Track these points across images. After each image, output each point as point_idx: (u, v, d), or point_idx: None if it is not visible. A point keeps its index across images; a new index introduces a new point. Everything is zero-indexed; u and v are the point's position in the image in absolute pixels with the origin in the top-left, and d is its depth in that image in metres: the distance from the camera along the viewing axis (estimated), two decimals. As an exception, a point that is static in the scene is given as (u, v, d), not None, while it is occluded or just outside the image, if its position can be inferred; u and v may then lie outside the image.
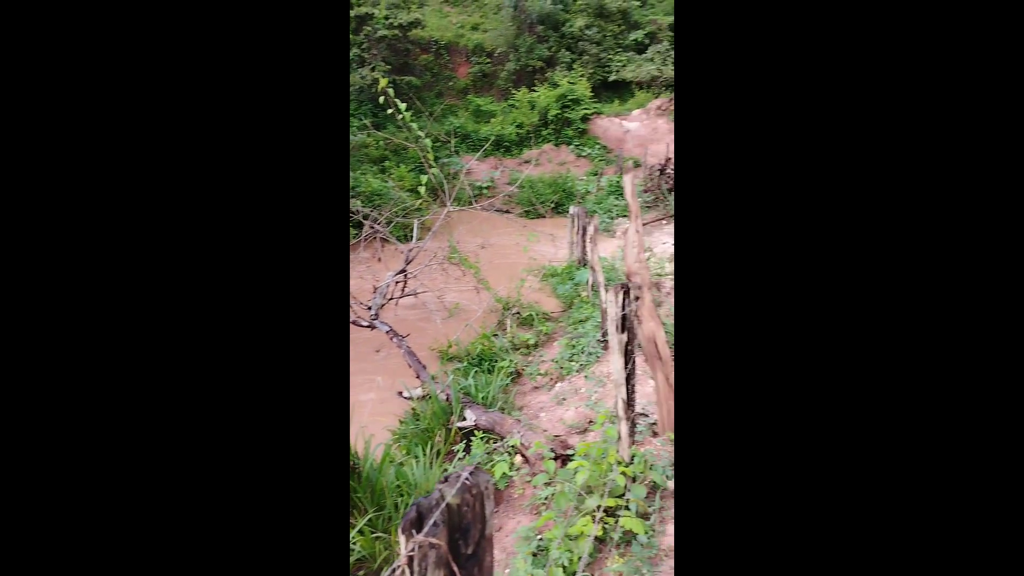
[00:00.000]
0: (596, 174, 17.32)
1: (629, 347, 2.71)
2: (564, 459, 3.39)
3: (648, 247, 10.51)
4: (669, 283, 8.97)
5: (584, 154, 18.66)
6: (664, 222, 14.00)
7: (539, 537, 2.57)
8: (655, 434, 3.54)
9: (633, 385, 2.77)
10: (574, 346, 5.86)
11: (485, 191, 16.24)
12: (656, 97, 20.04)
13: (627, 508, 2.40)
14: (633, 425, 2.75)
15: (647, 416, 3.87)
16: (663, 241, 12.48)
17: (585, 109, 19.21)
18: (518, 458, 3.80)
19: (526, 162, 17.57)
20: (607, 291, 2.70)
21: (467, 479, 1.13)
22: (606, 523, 2.40)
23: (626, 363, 2.71)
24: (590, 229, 7.96)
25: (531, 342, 6.54)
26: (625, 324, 2.69)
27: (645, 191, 15.82)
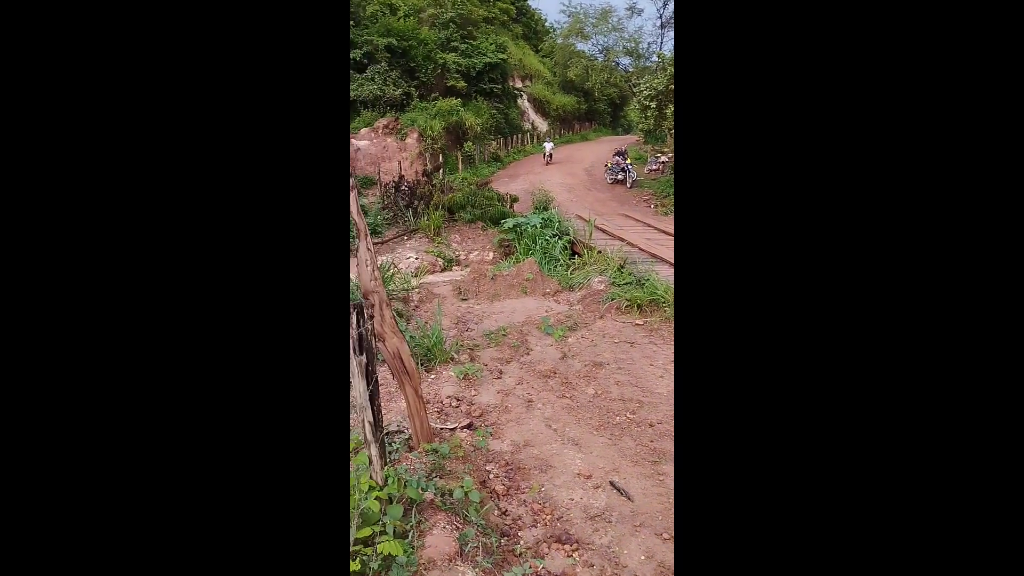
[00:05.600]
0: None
1: (370, 368, 2.66)
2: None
3: (392, 263, 10.59)
4: (417, 296, 9.18)
5: (315, 173, 17.87)
6: (406, 238, 14.29)
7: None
8: (411, 448, 3.56)
9: (379, 405, 2.73)
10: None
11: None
12: (382, 116, 20.35)
13: (384, 533, 2.35)
14: (383, 446, 2.71)
15: (403, 432, 3.87)
16: (407, 256, 12.72)
17: (311, 127, 18.43)
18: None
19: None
20: (339, 314, 2.61)
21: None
22: (364, 555, 2.30)
23: (368, 383, 2.65)
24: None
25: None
26: (363, 345, 2.63)
27: (383, 208, 15.90)
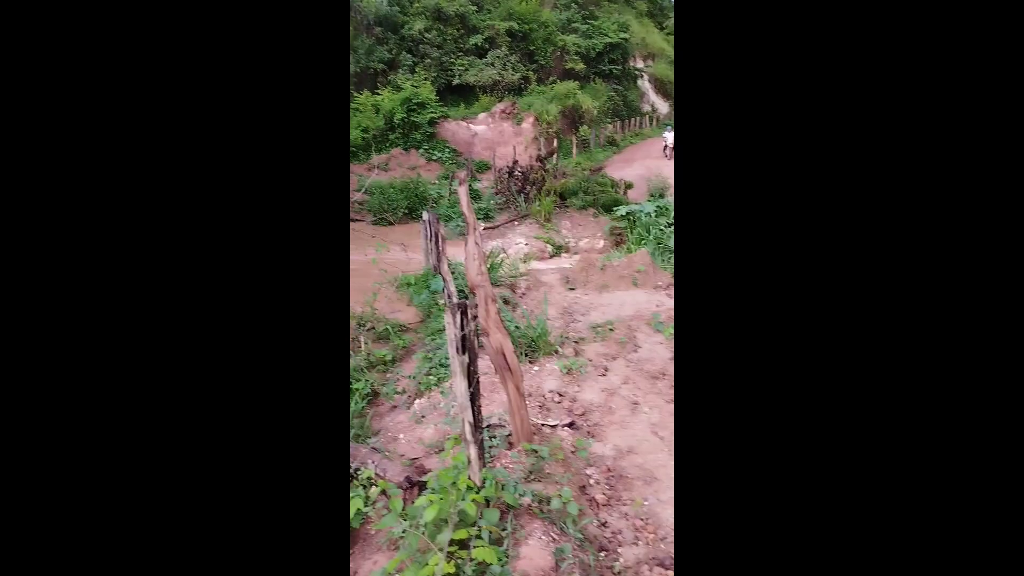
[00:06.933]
0: (447, 177, 17.29)
1: (472, 368, 2.63)
2: (421, 486, 3.23)
3: (501, 249, 10.67)
4: (524, 284, 9.18)
5: (434, 158, 18.54)
6: (516, 223, 14.37)
7: (394, 580, 2.39)
8: (510, 445, 3.52)
9: (479, 406, 2.70)
10: (431, 358, 5.70)
11: (332, 200, 15.46)
12: (500, 101, 20.53)
13: (479, 537, 2.32)
14: (482, 447, 2.68)
15: (503, 427, 3.85)
16: (516, 242, 12.79)
17: (431, 112, 19.09)
18: (373, 490, 3.57)
19: (374, 167, 17.02)
20: (446, 310, 2.59)
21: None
22: (459, 558, 2.29)
23: (470, 384, 2.62)
24: (442, 235, 7.83)
25: (388, 358, 6.24)
26: (466, 345, 2.60)
27: (496, 193, 16.11)
